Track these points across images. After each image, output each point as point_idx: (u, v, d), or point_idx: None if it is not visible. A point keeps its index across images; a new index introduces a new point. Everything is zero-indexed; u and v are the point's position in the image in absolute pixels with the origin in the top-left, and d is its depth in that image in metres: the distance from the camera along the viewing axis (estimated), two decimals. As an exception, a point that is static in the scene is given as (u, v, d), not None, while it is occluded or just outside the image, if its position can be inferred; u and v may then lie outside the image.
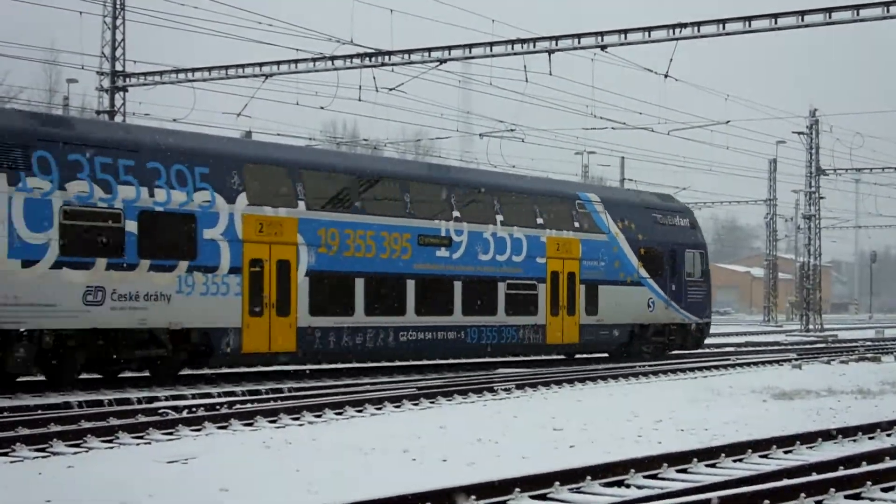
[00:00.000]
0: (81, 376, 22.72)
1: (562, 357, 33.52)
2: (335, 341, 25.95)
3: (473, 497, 10.34)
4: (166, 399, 20.10)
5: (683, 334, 36.12)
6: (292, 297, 24.98)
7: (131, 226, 22.21)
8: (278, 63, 34.88)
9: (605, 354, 34.22)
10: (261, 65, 35.09)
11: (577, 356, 34.08)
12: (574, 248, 32.30)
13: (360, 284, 26.42)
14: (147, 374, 23.75)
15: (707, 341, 39.64)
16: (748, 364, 31.26)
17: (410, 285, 27.69)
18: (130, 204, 22.24)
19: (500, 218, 30.25)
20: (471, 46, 32.26)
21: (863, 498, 11.10)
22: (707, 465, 12.89)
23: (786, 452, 14.14)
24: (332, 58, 33.82)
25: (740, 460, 13.40)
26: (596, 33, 30.91)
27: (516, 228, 30.57)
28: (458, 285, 28.91)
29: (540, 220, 31.40)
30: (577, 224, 32.55)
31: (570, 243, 32.21)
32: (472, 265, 29.33)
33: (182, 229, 23.13)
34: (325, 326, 25.66)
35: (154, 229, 22.61)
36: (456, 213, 29.13)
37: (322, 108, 36.29)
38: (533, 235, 31.06)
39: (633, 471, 11.99)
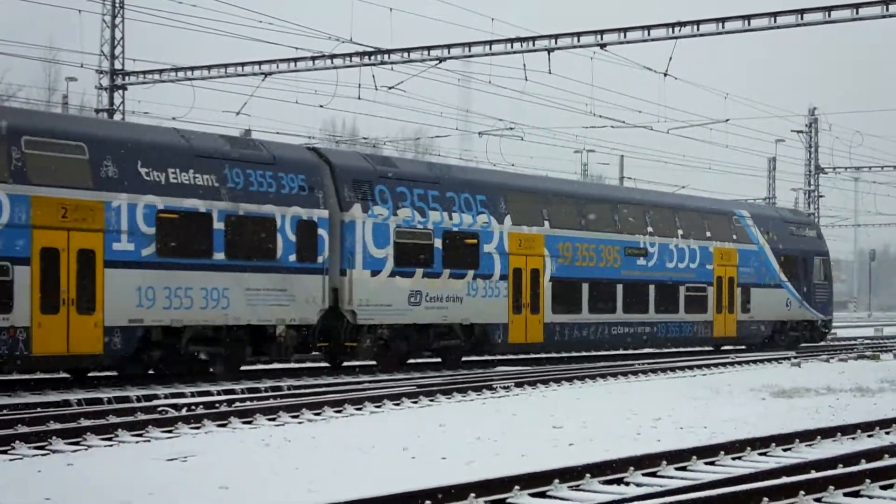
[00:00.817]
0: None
1: (561, 355, 33.61)
2: (569, 334, 32.17)
3: (473, 495, 10.35)
4: (166, 397, 20.10)
5: (811, 329, 42.11)
6: (541, 298, 31.28)
7: (438, 243, 28.77)
8: (277, 61, 34.86)
9: (744, 347, 39.65)
10: (260, 63, 35.07)
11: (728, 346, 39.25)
12: (733, 256, 38.40)
13: (585, 288, 32.75)
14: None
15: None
16: (747, 362, 31.28)
17: (619, 288, 33.81)
18: (438, 226, 28.85)
19: (679, 232, 36.33)
20: (470, 45, 32.25)
21: (862, 495, 11.11)
22: (706, 463, 12.91)
23: (785, 450, 14.15)
24: (332, 56, 33.81)
25: (739, 458, 13.41)
26: (595, 32, 30.90)
27: (692, 241, 36.73)
28: (651, 288, 34.96)
29: (708, 234, 37.62)
30: (734, 236, 38.76)
31: (729, 253, 38.38)
32: (661, 271, 35.56)
33: (470, 245, 29.67)
34: (562, 322, 31.89)
35: (452, 246, 29.15)
36: (649, 229, 35.25)
37: (321, 106, 36.33)
38: (703, 246, 37.22)
39: (632, 469, 12.00)
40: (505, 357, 32.14)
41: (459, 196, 29.44)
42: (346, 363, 28.41)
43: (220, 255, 24.07)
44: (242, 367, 25.42)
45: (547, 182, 35.57)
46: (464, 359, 30.38)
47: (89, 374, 23.67)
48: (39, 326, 20.82)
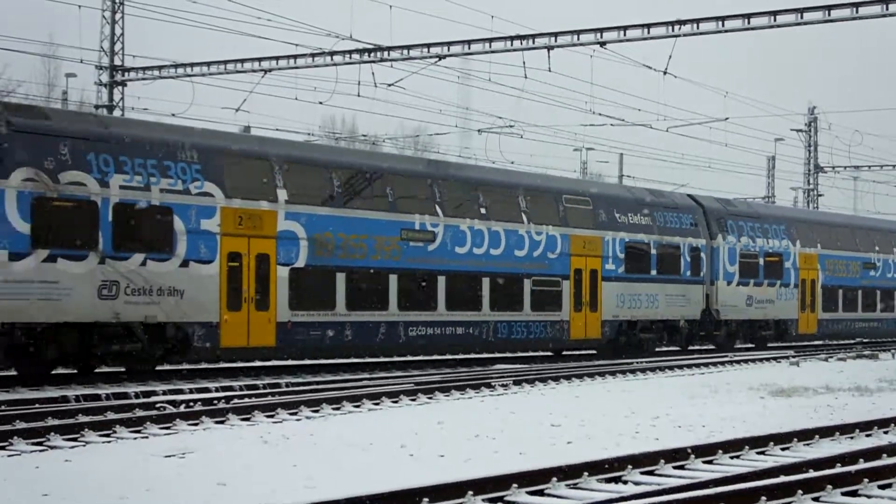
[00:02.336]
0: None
1: (560, 353, 33.57)
2: (835, 329, 43.32)
3: (471, 493, 10.34)
4: (164, 394, 20.09)
5: None
6: (816, 300, 42.33)
7: (761, 261, 39.87)
8: (277, 58, 34.85)
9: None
10: (260, 60, 35.06)
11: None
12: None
13: (840, 293, 43.84)
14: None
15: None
16: (746, 361, 31.27)
17: (860, 294, 45.11)
18: (761, 248, 39.96)
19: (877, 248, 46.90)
20: (470, 42, 32.23)
21: (860, 495, 11.10)
22: (704, 462, 12.90)
23: (783, 449, 14.15)
24: (331, 53, 33.80)
25: (737, 457, 13.40)
26: (595, 30, 30.89)
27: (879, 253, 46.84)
28: (877, 293, 46.24)
29: (877, 247, 46.69)
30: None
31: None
32: (886, 280, 46.74)
33: (778, 262, 40.37)
34: (830, 319, 42.86)
35: (769, 263, 40.18)
36: (877, 246, 46.60)
37: (321, 103, 36.33)
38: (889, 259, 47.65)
39: (630, 467, 11.99)
40: (504, 356, 31.95)
41: (772, 227, 40.61)
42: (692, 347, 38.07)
43: (654, 272, 35.28)
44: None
45: (819, 215, 48.46)
46: (769, 344, 40.51)
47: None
48: (572, 321, 32.59)
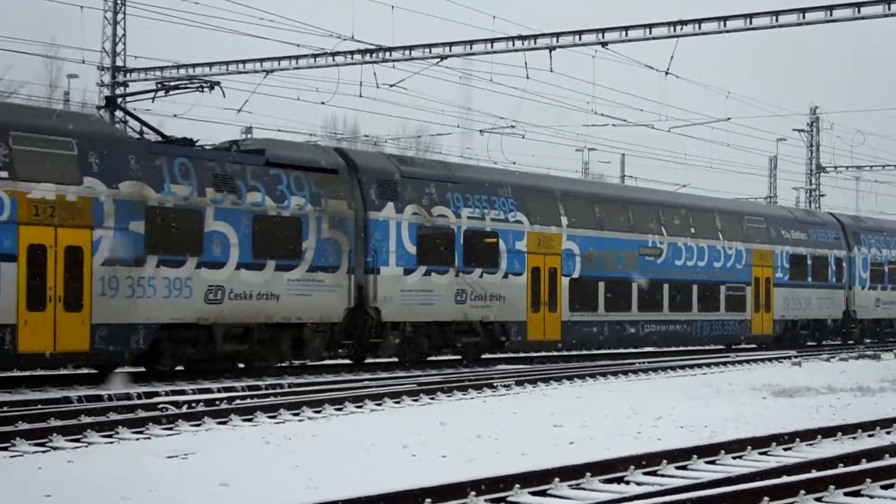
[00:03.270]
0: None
1: (562, 354, 33.63)
2: None
3: (473, 493, 10.34)
4: (166, 394, 20.09)
5: None
6: None
7: (887, 268, 46.32)
8: (279, 59, 34.82)
9: None
10: (262, 60, 35.04)
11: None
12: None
13: None
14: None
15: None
16: (748, 361, 31.25)
17: None
18: (885, 258, 46.28)
19: None
20: (471, 43, 32.21)
21: (862, 495, 11.10)
22: (707, 462, 12.89)
23: (785, 450, 14.14)
24: (333, 54, 33.78)
25: (740, 457, 13.39)
26: (597, 30, 30.86)
27: None
28: None
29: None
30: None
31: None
32: None
33: None
34: None
35: (893, 271, 46.68)
36: None
37: (323, 103, 36.29)
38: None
39: (632, 467, 11.98)
40: (504, 356, 32.11)
41: (892, 239, 47.02)
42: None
43: (809, 279, 41.73)
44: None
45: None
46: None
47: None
48: (753, 320, 39.30)
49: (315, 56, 34.07)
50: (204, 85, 26.83)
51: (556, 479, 11.13)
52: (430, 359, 29.74)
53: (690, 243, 36.89)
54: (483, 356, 30.86)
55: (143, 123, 26.38)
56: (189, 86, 27.18)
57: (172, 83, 28.05)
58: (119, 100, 31.64)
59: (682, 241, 36.59)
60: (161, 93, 26.89)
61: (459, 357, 30.26)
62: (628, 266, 34.19)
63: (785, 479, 10.99)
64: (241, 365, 25.62)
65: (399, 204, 28.05)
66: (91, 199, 21.89)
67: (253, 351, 24.97)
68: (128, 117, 28.91)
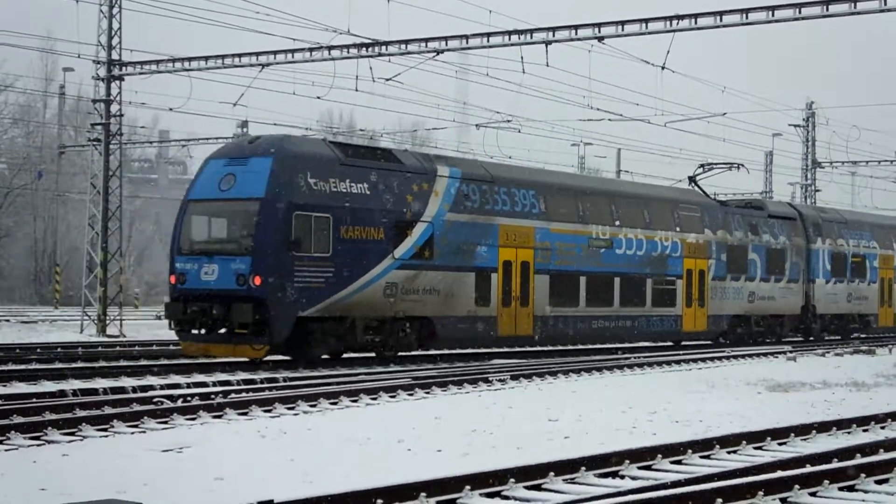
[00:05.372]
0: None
1: (557, 348, 33.63)
2: None
3: (468, 487, 10.35)
4: (161, 388, 20.08)
5: None
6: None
7: None
8: (275, 52, 34.76)
9: None
10: (257, 54, 34.97)
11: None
12: None
13: None
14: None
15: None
16: (743, 356, 31.27)
17: None
18: None
19: None
20: (468, 37, 32.17)
21: (857, 490, 11.12)
22: (701, 457, 12.91)
23: (780, 444, 14.16)
24: (329, 47, 33.73)
25: (735, 452, 13.42)
26: (593, 24, 30.84)
27: None
28: None
29: None
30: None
31: None
32: None
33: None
34: None
35: None
36: None
37: (319, 97, 36.22)
38: None
39: (627, 462, 12.00)
40: (500, 350, 32.06)
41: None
42: None
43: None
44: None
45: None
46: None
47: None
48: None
49: (311, 50, 34.01)
50: None
51: (551, 474, 11.15)
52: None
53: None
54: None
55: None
56: None
57: None
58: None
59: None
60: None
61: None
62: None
63: (780, 473, 11.01)
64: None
65: (823, 238, 42.46)
66: (707, 242, 36.85)
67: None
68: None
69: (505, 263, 29.84)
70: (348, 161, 26.44)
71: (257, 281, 24.40)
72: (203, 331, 25.11)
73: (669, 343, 37.09)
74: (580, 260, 32.13)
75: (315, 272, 25.22)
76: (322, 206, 25.44)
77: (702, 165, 41.96)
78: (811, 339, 42.50)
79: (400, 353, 27.78)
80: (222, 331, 24.99)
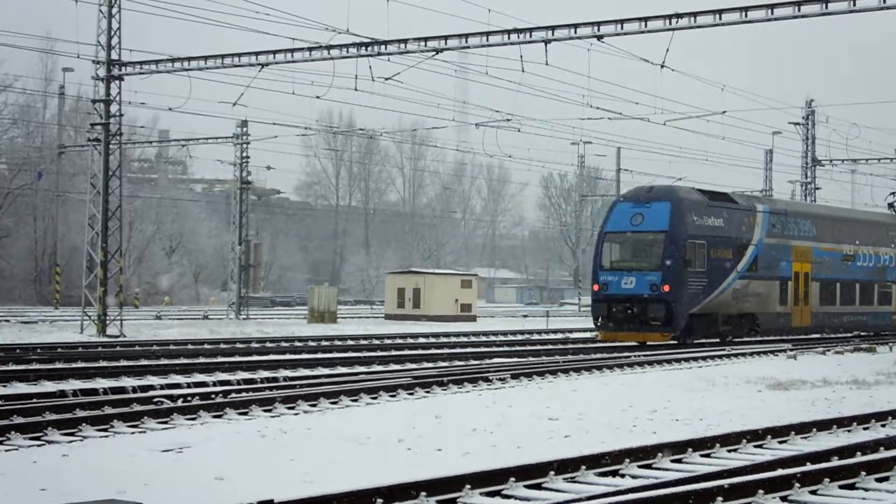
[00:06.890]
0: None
1: (557, 347, 33.68)
2: None
3: (468, 486, 10.34)
4: (161, 388, 20.07)
5: None
6: None
7: None
8: (274, 52, 34.76)
9: None
10: (257, 54, 34.98)
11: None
12: None
13: None
14: None
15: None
16: (743, 354, 31.26)
17: None
18: None
19: None
20: (467, 36, 32.17)
21: (857, 488, 11.11)
22: (702, 455, 12.91)
23: (781, 442, 14.16)
24: (328, 47, 33.73)
25: (735, 450, 13.41)
26: (592, 23, 30.84)
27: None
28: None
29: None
30: None
31: None
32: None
33: None
34: None
35: None
36: None
37: (318, 97, 36.22)
38: None
39: (628, 460, 12.00)
40: (500, 350, 32.13)
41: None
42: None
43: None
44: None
45: None
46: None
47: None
48: None
49: (310, 49, 34.01)
50: None
51: (552, 473, 11.14)
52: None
53: None
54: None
55: None
56: None
57: None
58: None
59: None
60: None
61: None
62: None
63: (780, 471, 11.00)
64: None
65: None
66: None
67: None
68: None
69: (795, 274, 40.69)
70: (711, 203, 36.81)
71: (666, 288, 34.44)
72: (611, 323, 35.36)
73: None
74: (836, 270, 42.75)
75: (698, 282, 35.48)
76: (700, 235, 35.69)
77: (893, 193, 52.43)
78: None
79: (735, 339, 37.14)
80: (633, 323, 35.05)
